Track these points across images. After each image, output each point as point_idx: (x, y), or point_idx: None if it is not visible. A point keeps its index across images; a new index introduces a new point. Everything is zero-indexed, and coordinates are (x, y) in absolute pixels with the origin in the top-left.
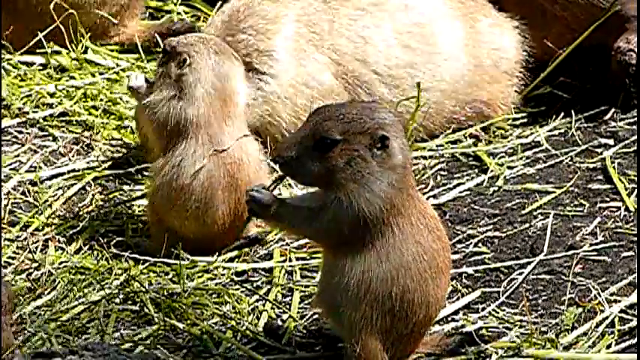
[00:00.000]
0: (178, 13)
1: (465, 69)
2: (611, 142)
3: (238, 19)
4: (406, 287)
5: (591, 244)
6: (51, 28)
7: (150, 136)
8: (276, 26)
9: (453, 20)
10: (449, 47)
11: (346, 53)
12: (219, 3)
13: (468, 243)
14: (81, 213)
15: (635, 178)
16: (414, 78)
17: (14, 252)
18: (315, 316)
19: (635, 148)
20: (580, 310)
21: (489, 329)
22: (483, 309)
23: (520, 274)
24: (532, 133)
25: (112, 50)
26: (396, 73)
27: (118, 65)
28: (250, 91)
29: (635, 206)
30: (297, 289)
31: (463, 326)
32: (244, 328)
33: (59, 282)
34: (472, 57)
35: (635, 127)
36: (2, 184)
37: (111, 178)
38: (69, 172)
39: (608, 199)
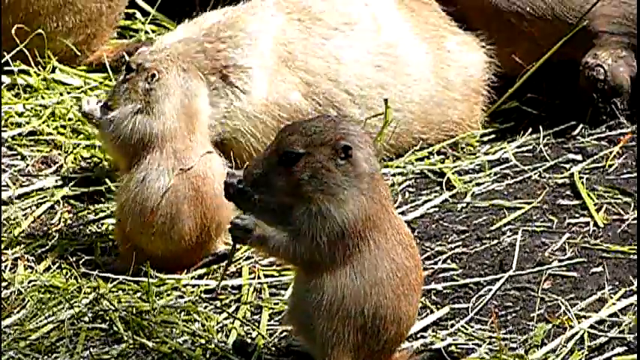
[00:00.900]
0: (146, 32)
1: (433, 90)
2: (579, 157)
3: (219, 28)
4: (379, 304)
5: (560, 260)
6: (15, 50)
7: (114, 153)
8: (255, 42)
9: (422, 42)
10: (418, 68)
11: (318, 73)
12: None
13: (436, 259)
14: (50, 231)
15: (604, 194)
16: (385, 98)
17: None
18: (285, 333)
19: (604, 163)
20: (549, 325)
21: (458, 346)
22: (452, 325)
23: (489, 290)
24: (500, 149)
25: (79, 69)
26: (367, 93)
27: (86, 84)
28: (222, 102)
29: (605, 221)
30: (266, 307)
31: (432, 343)
32: (214, 346)
33: (28, 300)
34: (441, 78)
35: (603, 142)
36: None
37: (80, 196)
38: (38, 190)
39: (576, 215)
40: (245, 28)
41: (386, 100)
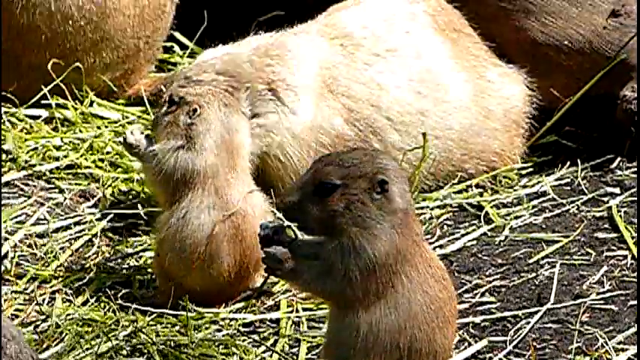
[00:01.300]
0: (184, 66)
1: (474, 118)
2: (617, 190)
3: (267, 47)
4: (414, 337)
5: (598, 293)
6: (51, 85)
7: (155, 188)
8: (302, 63)
9: (462, 70)
10: (458, 96)
11: (360, 99)
12: None
13: (474, 293)
14: (88, 265)
15: None
16: (425, 125)
17: (21, 304)
18: None
19: None
20: (587, 359)
21: None
22: (490, 359)
23: (527, 323)
24: (538, 183)
25: (117, 103)
26: (407, 119)
27: (124, 117)
28: (270, 114)
29: None
30: (304, 340)
31: None
32: None
33: (66, 334)
34: (481, 107)
35: None
36: (9, 236)
37: (118, 229)
38: (76, 224)
39: (614, 248)
40: (292, 50)
41: (424, 134)
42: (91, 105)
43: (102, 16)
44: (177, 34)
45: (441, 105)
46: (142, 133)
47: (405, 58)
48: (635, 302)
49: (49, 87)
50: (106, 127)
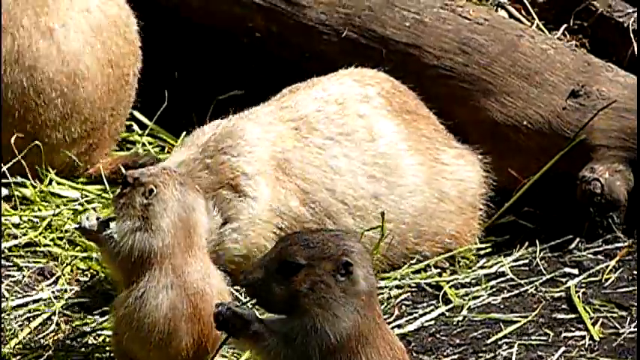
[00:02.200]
0: (143, 145)
1: (427, 201)
2: (575, 271)
3: (216, 139)
4: None
5: None
6: (12, 162)
7: (113, 268)
8: (254, 149)
9: (416, 153)
10: (413, 179)
11: (315, 182)
12: (184, 134)
13: None
14: (47, 343)
15: (600, 308)
16: (379, 209)
17: None
18: None
19: (600, 277)
20: None
21: None
22: None
23: None
24: (496, 263)
25: (77, 182)
26: (362, 203)
27: (83, 197)
28: (237, 214)
29: (601, 335)
30: None
31: None
32: None
33: None
34: (435, 190)
35: (599, 256)
36: None
37: (76, 308)
38: (34, 301)
39: (572, 329)
40: (243, 136)
41: (382, 214)
42: (50, 183)
43: (72, 87)
44: (137, 113)
45: (395, 189)
46: (98, 217)
47: (358, 142)
48: None
49: (9, 164)
50: (65, 205)
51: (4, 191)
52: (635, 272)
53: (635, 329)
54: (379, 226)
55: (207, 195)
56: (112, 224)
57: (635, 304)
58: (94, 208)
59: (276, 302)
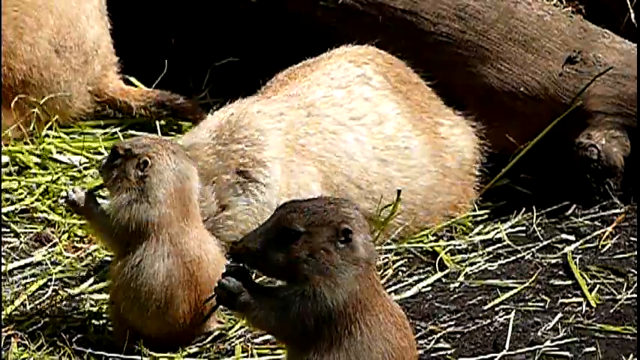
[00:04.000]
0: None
1: (434, 179)
2: (572, 237)
3: (230, 129)
4: None
5: (553, 340)
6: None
7: (108, 240)
8: (268, 137)
9: (422, 133)
10: (420, 160)
11: (332, 166)
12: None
13: (429, 339)
14: (43, 309)
15: (597, 274)
16: (392, 193)
17: None
18: None
19: (597, 243)
20: None
21: None
22: None
23: None
24: (493, 229)
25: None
26: (376, 188)
27: (80, 164)
28: (241, 199)
29: (598, 301)
30: None
31: None
32: None
33: None
34: (440, 166)
35: (596, 222)
36: None
37: (74, 274)
38: (31, 267)
39: (569, 295)
40: (258, 128)
41: (399, 192)
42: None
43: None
44: (134, 80)
45: (406, 171)
46: (83, 188)
47: (368, 126)
48: (591, 349)
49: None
50: (63, 171)
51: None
52: (633, 238)
53: (633, 295)
54: (393, 203)
55: (207, 180)
56: (101, 201)
57: (633, 270)
58: (91, 175)
59: (275, 270)
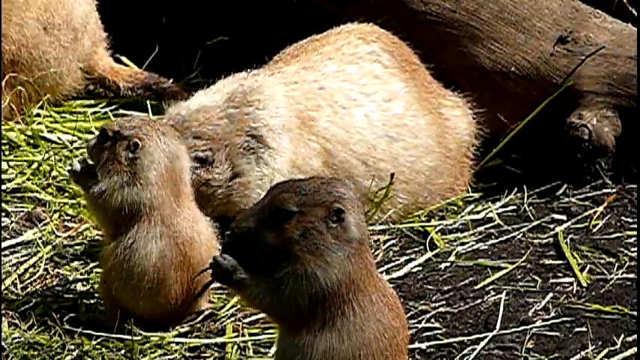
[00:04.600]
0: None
1: (438, 160)
2: (563, 217)
3: (244, 91)
4: None
5: (544, 320)
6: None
7: (102, 222)
8: (282, 105)
9: (428, 113)
10: (426, 140)
11: (339, 142)
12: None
13: (420, 319)
14: (34, 289)
15: (587, 254)
16: (397, 171)
17: None
18: None
19: (587, 223)
20: None
21: None
22: None
23: (472, 349)
24: (484, 209)
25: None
26: (382, 166)
27: (71, 143)
28: (253, 166)
29: (589, 281)
30: None
31: None
32: None
33: (12, 357)
34: (443, 148)
35: (587, 202)
36: None
37: (65, 254)
38: (22, 247)
39: (560, 275)
40: (271, 93)
41: (392, 175)
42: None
43: None
44: (125, 59)
45: (411, 150)
46: (84, 159)
47: (378, 103)
48: (581, 329)
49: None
50: (54, 150)
51: None
52: (624, 218)
53: (624, 275)
54: (387, 186)
55: (219, 144)
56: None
57: (624, 250)
58: (82, 155)
59: (269, 250)
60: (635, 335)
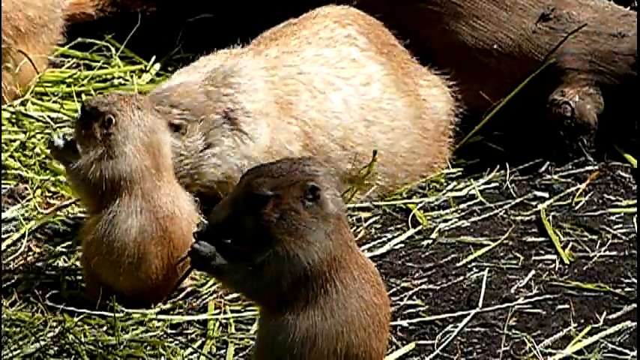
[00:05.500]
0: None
1: (415, 141)
2: (545, 194)
3: (224, 72)
4: (351, 343)
5: (526, 297)
6: None
7: (82, 195)
8: (259, 90)
9: (405, 95)
10: (404, 122)
11: (318, 126)
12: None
13: (402, 296)
14: (16, 265)
15: (570, 231)
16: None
17: None
18: None
19: (570, 200)
20: None
21: None
22: None
23: (455, 327)
24: (466, 186)
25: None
26: (360, 150)
27: (55, 121)
28: (225, 141)
29: (571, 258)
30: (231, 342)
31: None
32: None
33: None
34: (420, 129)
35: (569, 179)
36: None
37: (47, 231)
38: (4, 224)
39: (542, 252)
40: (250, 76)
41: (375, 152)
42: (23, 105)
43: None
44: (108, 36)
45: (389, 133)
46: (65, 135)
47: (356, 87)
48: (564, 306)
49: None
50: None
51: None
52: (606, 195)
53: (606, 253)
54: (370, 163)
55: (195, 116)
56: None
57: (605, 227)
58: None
59: (249, 236)
60: (618, 312)
